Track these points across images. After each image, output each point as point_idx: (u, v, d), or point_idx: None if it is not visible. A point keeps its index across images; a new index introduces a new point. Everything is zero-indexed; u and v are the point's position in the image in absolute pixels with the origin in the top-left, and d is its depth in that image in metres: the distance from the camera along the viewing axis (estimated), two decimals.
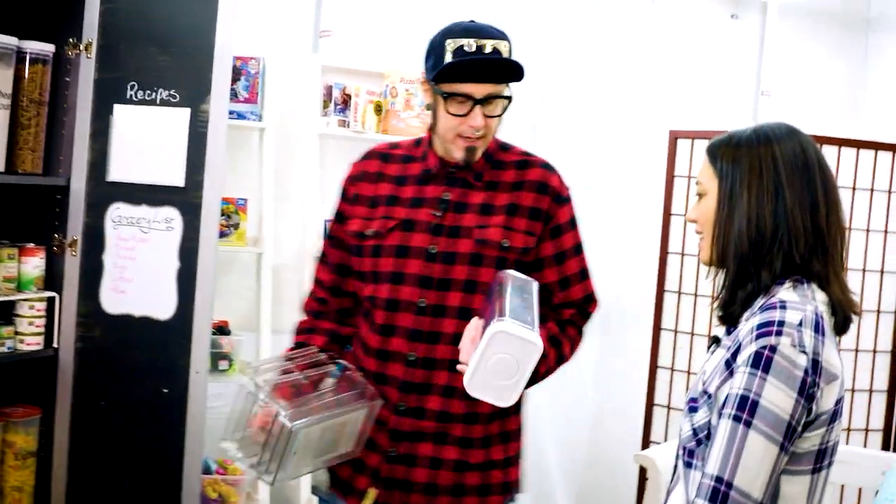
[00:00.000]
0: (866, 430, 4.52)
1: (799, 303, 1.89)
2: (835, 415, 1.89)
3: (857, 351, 4.51)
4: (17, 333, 3.36)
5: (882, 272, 4.56)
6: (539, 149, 4.92)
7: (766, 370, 1.80)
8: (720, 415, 1.87)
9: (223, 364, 4.05)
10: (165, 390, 3.38)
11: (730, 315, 2.02)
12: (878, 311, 4.53)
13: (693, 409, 2.01)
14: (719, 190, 2.01)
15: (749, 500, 1.79)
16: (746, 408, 1.81)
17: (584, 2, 5.13)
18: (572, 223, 2.65)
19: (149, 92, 3.39)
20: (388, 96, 4.46)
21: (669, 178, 4.58)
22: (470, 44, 2.43)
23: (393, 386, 2.55)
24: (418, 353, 2.53)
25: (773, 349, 1.81)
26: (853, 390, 4.51)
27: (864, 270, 4.53)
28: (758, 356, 1.82)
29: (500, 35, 2.48)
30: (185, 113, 3.38)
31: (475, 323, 2.31)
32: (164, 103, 3.39)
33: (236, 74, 4.11)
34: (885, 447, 4.48)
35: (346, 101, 4.43)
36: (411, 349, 2.53)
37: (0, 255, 3.36)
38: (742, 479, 1.79)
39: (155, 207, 3.40)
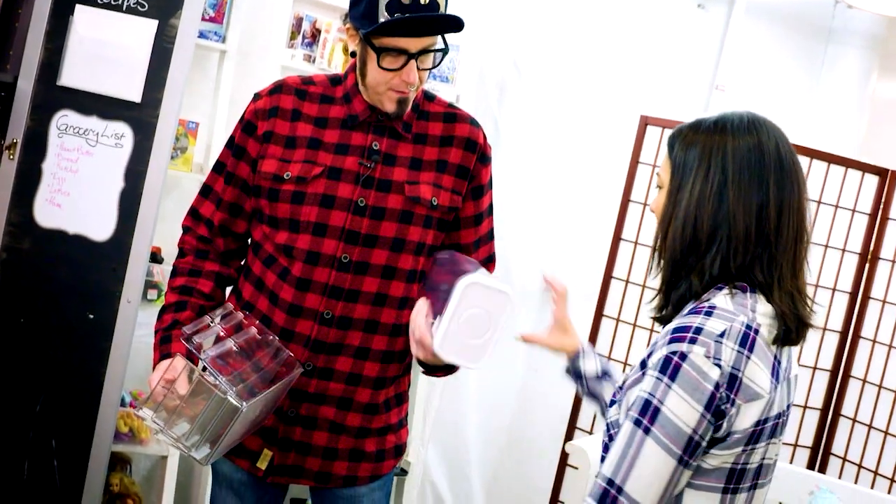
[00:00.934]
0: (795, 445, 4.49)
1: (730, 312, 1.77)
2: (755, 435, 1.78)
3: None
4: None
5: (834, 289, 4.51)
6: (506, 114, 4.87)
7: (673, 378, 1.71)
8: (626, 415, 1.78)
9: (152, 293, 3.86)
10: (91, 315, 3.22)
11: (662, 317, 1.92)
12: (824, 329, 4.49)
13: (612, 404, 1.92)
14: (670, 183, 1.89)
15: None
16: (648, 413, 1.72)
17: None
18: (490, 184, 2.58)
19: None
20: None
21: (633, 164, 4.47)
22: None
23: (300, 343, 2.42)
24: (335, 311, 2.41)
25: (683, 357, 1.71)
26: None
27: (814, 285, 4.48)
28: (666, 361, 1.72)
29: None
30: (152, 25, 3.19)
31: (422, 303, 2.23)
32: (130, 11, 3.19)
33: None
34: (811, 466, 4.46)
35: (314, 36, 4.23)
36: (328, 307, 2.41)
37: None
38: (633, 487, 1.71)
39: (105, 121, 3.20)
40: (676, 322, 1.79)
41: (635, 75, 5.02)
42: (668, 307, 1.89)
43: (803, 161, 4.46)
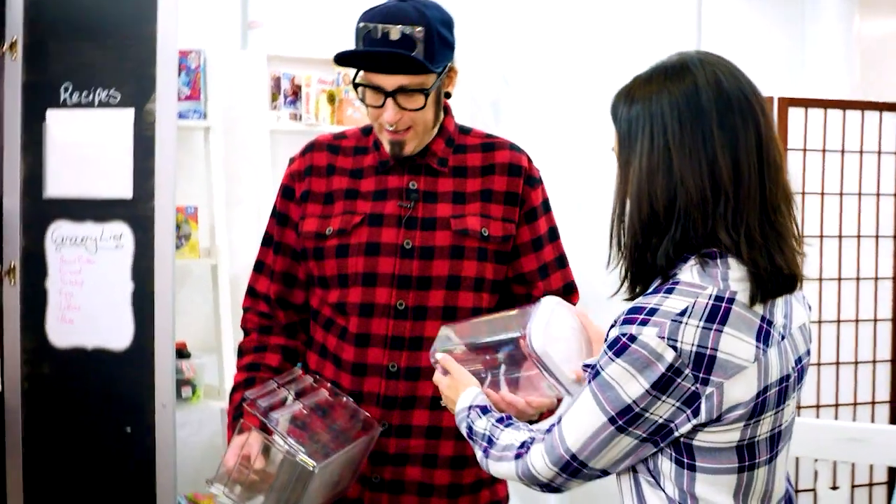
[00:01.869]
0: (872, 403, 4.32)
1: (696, 286, 1.61)
2: (758, 407, 1.63)
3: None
4: None
5: (877, 236, 4.37)
6: (504, 131, 4.71)
7: (618, 354, 1.60)
8: None
9: (186, 391, 3.70)
10: (128, 429, 3.04)
11: (630, 291, 1.75)
12: (875, 279, 4.33)
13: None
14: (618, 157, 1.71)
15: (562, 447, 1.68)
16: (592, 377, 1.65)
17: None
18: (545, 206, 2.43)
19: (86, 93, 3.05)
20: (341, 84, 4.13)
21: None
22: (376, 29, 2.18)
23: (372, 403, 2.28)
24: (400, 362, 2.27)
25: (632, 338, 1.59)
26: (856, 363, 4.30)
27: (839, 236, 4.34)
28: (615, 341, 1.61)
29: (415, 20, 2.20)
30: (129, 114, 3.05)
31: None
32: (103, 105, 3.05)
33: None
34: (894, 421, 4.28)
35: (296, 93, 4.10)
36: (392, 359, 2.27)
37: None
38: (569, 432, 1.68)
39: (101, 224, 3.05)
40: (633, 302, 1.65)
41: (613, 63, 4.90)
42: (638, 287, 1.73)
43: (816, 113, 4.39)
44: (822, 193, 4.46)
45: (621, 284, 1.75)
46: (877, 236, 4.51)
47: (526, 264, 2.37)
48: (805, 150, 4.42)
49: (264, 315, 2.44)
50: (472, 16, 4.73)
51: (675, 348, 1.57)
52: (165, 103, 3.04)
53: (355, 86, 2.24)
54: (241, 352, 2.45)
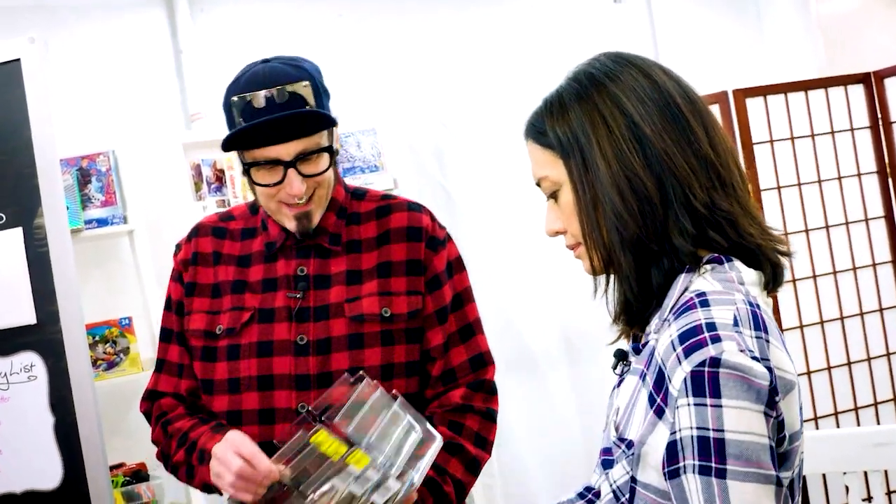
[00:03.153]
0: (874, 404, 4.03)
1: (723, 293, 1.41)
2: (800, 434, 1.43)
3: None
4: None
5: (867, 219, 4.10)
6: (452, 178, 4.50)
7: (717, 393, 1.30)
8: (670, 473, 1.36)
9: None
10: None
11: (641, 311, 1.50)
12: (874, 264, 4.05)
13: (608, 464, 1.48)
14: (568, 172, 1.50)
15: None
16: (712, 453, 1.30)
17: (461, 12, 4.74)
18: (450, 269, 2.18)
19: None
20: None
21: None
22: (258, 97, 1.97)
23: None
24: None
25: (716, 362, 1.31)
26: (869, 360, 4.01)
27: (826, 227, 4.08)
28: (697, 378, 1.32)
29: (296, 76, 2.00)
30: (17, 234, 2.79)
31: None
32: None
33: (86, 176, 3.56)
34: None
35: (219, 178, 3.86)
36: None
37: None
38: None
39: (9, 356, 2.79)
40: (673, 329, 1.37)
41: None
42: (650, 300, 1.48)
43: (777, 99, 4.13)
44: (800, 184, 4.18)
45: (620, 301, 1.51)
46: (866, 220, 4.22)
47: (432, 339, 2.12)
48: (772, 140, 4.15)
49: (170, 405, 2.20)
50: (404, 62, 4.56)
51: (756, 359, 1.33)
52: (53, 214, 2.80)
53: (245, 169, 2.03)
54: (156, 432, 2.24)
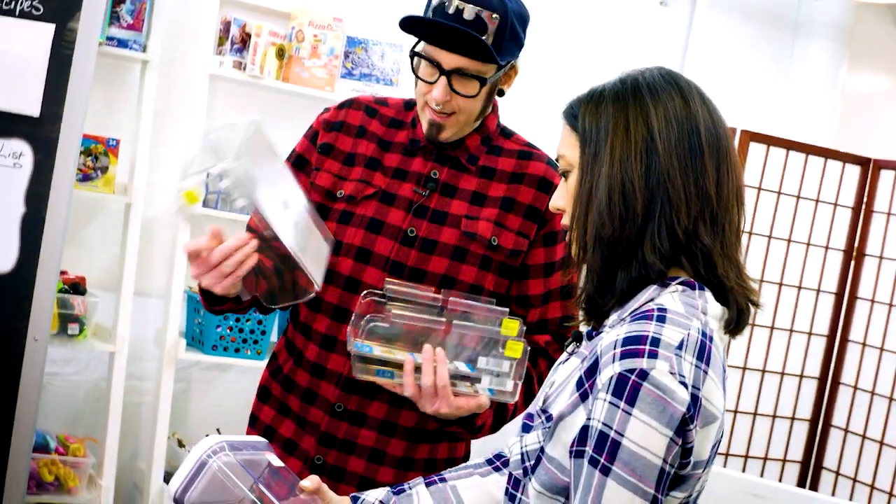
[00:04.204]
0: (784, 460, 4.20)
1: (682, 315, 1.46)
2: (708, 463, 1.49)
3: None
4: None
5: (819, 290, 4.25)
6: None
7: (632, 402, 1.38)
8: (575, 453, 1.45)
9: (73, 328, 3.52)
10: None
11: (598, 308, 1.59)
12: (809, 334, 4.22)
13: (526, 429, 1.58)
14: (581, 157, 1.59)
15: None
16: (605, 450, 1.39)
17: None
18: (565, 233, 2.25)
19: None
20: (294, 40, 3.95)
21: None
22: (451, 4, 2.06)
23: (332, 382, 2.17)
24: None
25: (643, 375, 1.39)
26: (774, 416, 4.19)
27: (780, 283, 4.21)
28: (621, 381, 1.40)
29: (495, 5, 2.08)
30: (49, 29, 2.88)
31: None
32: (24, 15, 2.88)
33: None
34: (802, 483, 4.17)
35: (244, 41, 3.91)
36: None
37: None
38: None
39: (1, 138, 2.88)
40: (623, 330, 1.46)
41: (598, 77, 4.79)
42: (608, 295, 1.57)
43: (779, 153, 4.28)
44: (770, 237, 4.34)
45: (581, 292, 1.61)
46: (818, 290, 4.40)
47: (532, 287, 2.24)
48: (760, 188, 4.30)
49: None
50: None
51: (685, 385, 1.40)
52: (89, 25, 2.88)
53: (412, 56, 2.14)
54: None
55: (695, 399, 1.40)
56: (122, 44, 3.64)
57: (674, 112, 1.55)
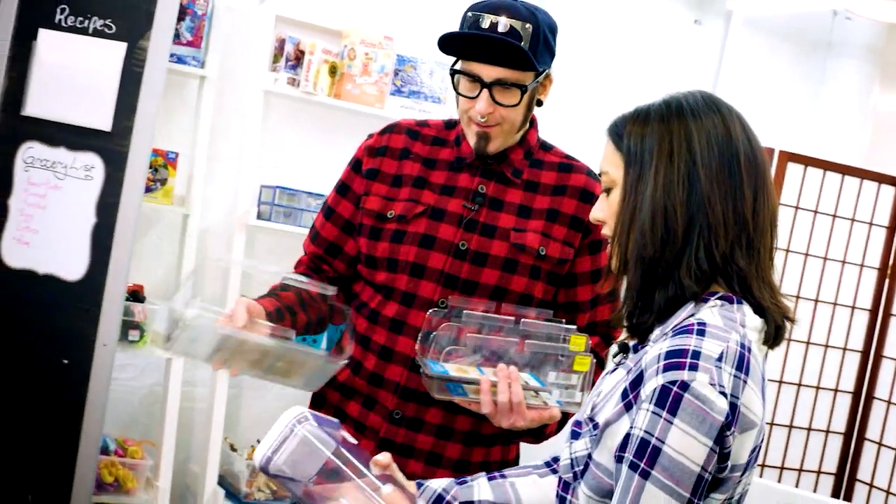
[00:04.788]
0: (818, 472, 4.28)
1: (722, 329, 1.53)
2: (747, 467, 1.56)
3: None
4: None
5: (853, 307, 4.33)
6: None
7: (673, 411, 1.46)
8: (618, 458, 1.54)
9: (133, 334, 3.64)
10: (65, 361, 2.99)
11: (639, 325, 1.67)
12: (844, 349, 4.29)
13: (575, 436, 1.67)
14: (625, 177, 1.66)
15: None
16: (646, 455, 1.47)
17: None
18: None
19: (81, 19, 2.99)
20: (346, 58, 4.07)
21: None
22: (484, 18, 2.18)
23: (390, 390, 2.27)
24: None
25: (685, 386, 1.47)
26: (809, 429, 4.27)
27: (815, 300, 4.29)
28: (664, 393, 1.48)
29: (526, 16, 2.19)
30: (121, 48, 3.00)
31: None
32: (97, 34, 2.99)
33: (181, 13, 3.70)
34: (836, 494, 4.24)
35: (298, 58, 4.03)
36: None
37: None
38: None
39: (74, 152, 3.00)
40: (666, 345, 1.54)
41: (633, 93, 4.86)
42: (648, 313, 1.65)
43: (816, 173, 4.37)
44: (807, 254, 4.43)
45: (622, 307, 1.69)
46: (853, 307, 4.48)
47: (581, 293, 2.34)
48: (797, 207, 4.39)
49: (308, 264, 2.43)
50: None
51: (724, 395, 1.47)
52: (159, 43, 3.00)
53: (452, 74, 2.23)
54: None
55: (733, 407, 1.48)
56: (181, 60, 3.77)
57: (715, 137, 1.61)
